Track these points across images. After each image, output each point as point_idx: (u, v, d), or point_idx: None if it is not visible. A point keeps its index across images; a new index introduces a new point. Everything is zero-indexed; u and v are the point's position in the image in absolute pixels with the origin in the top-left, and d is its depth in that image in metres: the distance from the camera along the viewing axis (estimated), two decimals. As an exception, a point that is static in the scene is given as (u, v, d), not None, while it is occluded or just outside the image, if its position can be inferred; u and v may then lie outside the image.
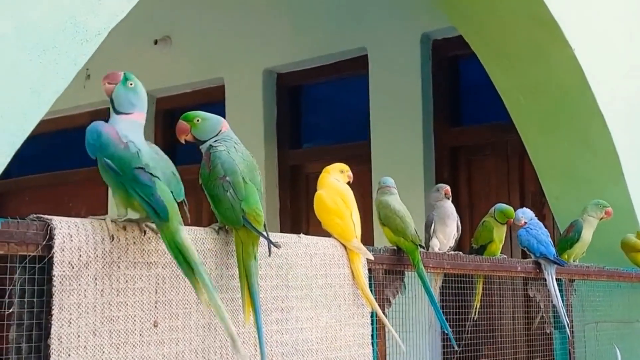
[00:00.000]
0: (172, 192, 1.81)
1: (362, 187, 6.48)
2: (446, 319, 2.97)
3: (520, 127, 4.52)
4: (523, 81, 4.24)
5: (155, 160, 1.82)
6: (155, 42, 7.37)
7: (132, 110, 1.83)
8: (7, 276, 1.61)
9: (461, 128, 6.17)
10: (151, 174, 1.76)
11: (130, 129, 1.80)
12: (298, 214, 6.59)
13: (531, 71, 4.18)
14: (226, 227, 2.06)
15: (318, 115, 6.90)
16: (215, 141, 2.07)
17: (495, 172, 5.98)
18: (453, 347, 2.81)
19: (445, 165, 6.10)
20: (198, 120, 2.09)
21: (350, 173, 2.52)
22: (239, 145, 2.10)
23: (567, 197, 4.62)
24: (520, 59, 4.15)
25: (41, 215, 1.68)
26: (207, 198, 2.07)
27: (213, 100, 7.11)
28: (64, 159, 8.19)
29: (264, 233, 2.01)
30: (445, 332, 2.62)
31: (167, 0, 7.24)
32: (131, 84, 1.85)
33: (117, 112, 1.83)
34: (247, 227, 1.99)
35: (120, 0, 1.97)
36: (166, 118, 7.62)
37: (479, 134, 6.05)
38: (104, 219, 1.77)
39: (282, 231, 6.63)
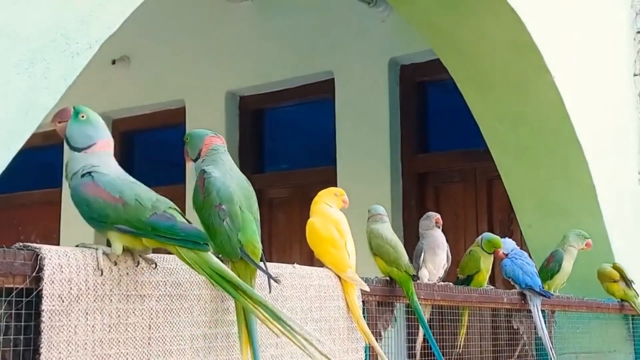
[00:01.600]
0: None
1: (327, 214, 6.40)
2: (429, 351, 2.89)
3: (495, 154, 4.49)
4: (501, 108, 4.22)
5: (145, 190, 1.69)
6: (113, 62, 7.20)
7: (91, 142, 1.67)
8: (-10, 311, 1.45)
9: (429, 154, 6.15)
10: (164, 210, 1.64)
11: (102, 164, 1.66)
12: (262, 238, 6.44)
13: (510, 98, 4.16)
14: (220, 257, 1.93)
15: (282, 139, 6.80)
16: (208, 164, 1.95)
17: (463, 199, 5.96)
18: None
19: (413, 191, 6.06)
20: (187, 139, 1.98)
21: (345, 197, 2.42)
22: (233, 169, 1.98)
23: (541, 226, 4.60)
24: (500, 86, 4.13)
25: (29, 244, 1.53)
26: (200, 226, 1.94)
27: (173, 122, 6.95)
28: (13, 180, 7.91)
29: (263, 267, 1.89)
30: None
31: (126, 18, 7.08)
32: (83, 116, 1.67)
33: (77, 150, 1.67)
34: (245, 260, 1.86)
35: (113, 13, 1.85)
36: (124, 140, 7.42)
37: (447, 161, 6.03)
38: (96, 249, 1.63)
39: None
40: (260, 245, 1.92)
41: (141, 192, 1.66)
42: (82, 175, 1.64)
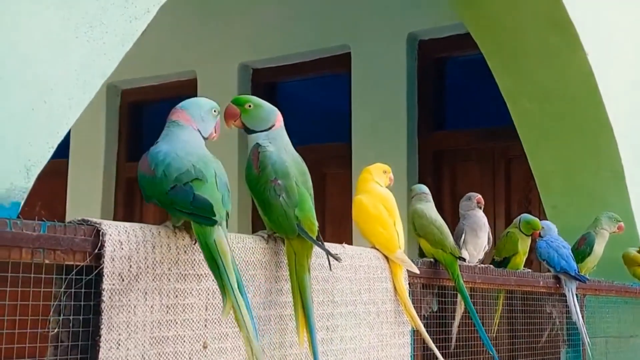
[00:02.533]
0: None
1: (341, 190, 6.33)
2: (465, 336, 2.82)
3: (522, 132, 4.40)
4: (531, 85, 4.12)
5: (204, 163, 1.60)
6: (122, 31, 7.05)
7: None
8: (48, 290, 1.37)
9: (445, 132, 6.05)
10: (185, 182, 1.56)
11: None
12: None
13: (541, 75, 4.06)
14: (275, 235, 1.84)
15: (295, 113, 6.67)
16: (265, 139, 1.85)
17: (480, 178, 5.87)
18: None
19: (429, 169, 5.97)
20: (250, 106, 1.88)
21: (392, 175, 2.33)
22: (289, 146, 1.89)
23: (565, 207, 4.53)
24: (531, 62, 4.03)
25: (88, 219, 1.44)
26: (255, 202, 1.85)
27: (184, 94, 6.69)
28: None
29: (322, 243, 1.80)
30: (490, 352, 2.45)
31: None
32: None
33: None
34: (303, 237, 1.78)
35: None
36: (132, 111, 7.32)
37: (464, 139, 5.93)
38: (167, 226, 1.56)
39: (252, 223, 6.40)
40: (316, 222, 1.83)
41: (174, 162, 1.58)
42: None
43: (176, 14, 6.83)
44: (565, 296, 3.25)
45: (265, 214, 1.83)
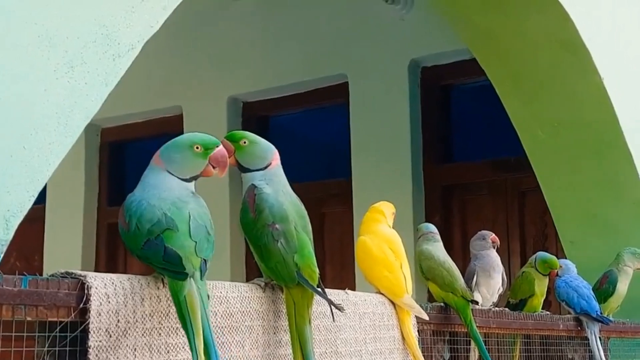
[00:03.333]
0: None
1: (342, 230, 6.35)
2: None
3: (535, 164, 4.44)
4: (543, 113, 4.17)
5: (176, 209, 1.63)
6: (102, 65, 7.13)
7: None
8: (31, 349, 1.38)
9: (454, 164, 6.09)
10: (157, 235, 1.58)
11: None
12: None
13: (553, 102, 4.11)
14: (273, 282, 1.87)
15: (291, 149, 6.71)
16: (261, 179, 1.88)
17: (492, 214, 5.90)
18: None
19: (437, 206, 6.00)
20: (245, 142, 1.91)
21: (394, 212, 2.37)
22: (287, 187, 1.92)
23: (585, 242, 4.55)
24: (543, 89, 4.08)
25: (72, 271, 1.46)
26: (250, 248, 1.88)
27: (169, 132, 6.83)
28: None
29: (324, 293, 1.82)
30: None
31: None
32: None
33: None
34: (303, 285, 1.80)
35: (154, 9, 1.78)
36: (113, 151, 7.37)
37: (474, 172, 5.98)
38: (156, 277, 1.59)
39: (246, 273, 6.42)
40: (317, 270, 1.85)
41: (146, 213, 1.61)
42: None
43: (159, 45, 6.91)
44: (588, 339, 3.26)
45: (262, 261, 1.85)
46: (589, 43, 3.84)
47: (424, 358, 2.38)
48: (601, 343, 3.43)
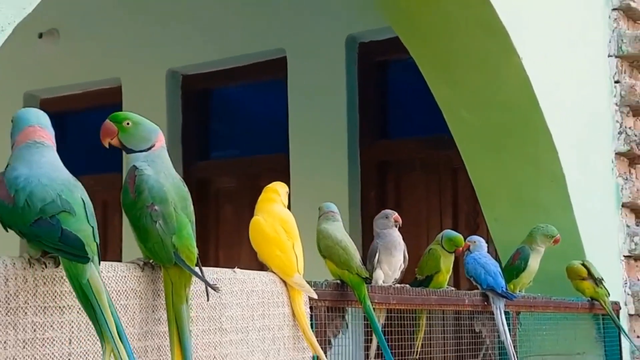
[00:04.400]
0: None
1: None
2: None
3: (460, 143, 4.53)
4: (467, 93, 4.25)
5: (69, 191, 1.67)
6: (40, 36, 7.06)
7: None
8: None
9: (389, 141, 6.17)
10: (51, 215, 1.61)
11: None
12: (206, 234, 6.41)
13: (476, 83, 4.19)
14: (152, 262, 1.91)
15: (230, 123, 6.76)
16: (143, 161, 1.92)
17: (426, 190, 6.00)
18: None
19: (373, 182, 6.08)
20: (128, 124, 1.93)
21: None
22: (170, 169, 1.96)
23: (508, 219, 4.66)
24: (465, 69, 4.15)
25: None
26: (131, 228, 1.92)
27: (108, 103, 6.85)
28: None
29: (200, 273, 1.88)
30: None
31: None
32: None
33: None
34: (180, 266, 1.85)
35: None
36: (53, 122, 7.31)
37: (409, 149, 6.06)
38: (22, 257, 1.62)
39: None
40: (196, 250, 1.90)
41: (37, 191, 1.62)
42: None
43: (98, 17, 6.87)
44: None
45: (141, 241, 1.89)
46: (507, 24, 3.91)
47: (319, 334, 2.46)
48: (510, 318, 3.54)
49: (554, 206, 4.50)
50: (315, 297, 2.33)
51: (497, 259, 4.94)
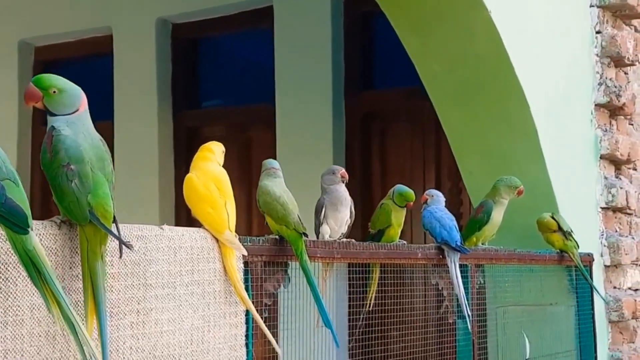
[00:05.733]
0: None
1: (265, 154, 6.41)
2: (338, 312, 2.98)
3: (433, 97, 4.52)
4: (437, 47, 4.23)
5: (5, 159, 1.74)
6: (33, -18, 7.06)
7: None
8: None
9: (374, 92, 6.17)
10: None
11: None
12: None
13: (446, 37, 4.17)
14: (70, 220, 1.96)
15: (219, 71, 6.77)
16: (63, 122, 1.95)
17: (410, 140, 6.01)
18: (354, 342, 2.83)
19: (357, 133, 6.10)
20: (54, 92, 1.96)
21: (222, 151, 2.46)
22: (90, 130, 1.99)
23: (482, 172, 4.67)
24: (434, 23, 4.13)
25: None
26: (50, 187, 1.96)
27: (99, 51, 6.89)
28: None
29: (114, 231, 1.93)
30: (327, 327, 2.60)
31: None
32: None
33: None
34: (95, 224, 1.90)
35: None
36: (46, 69, 7.34)
37: (393, 99, 6.06)
38: None
39: (177, 201, 6.53)
40: (112, 209, 1.95)
41: None
42: None
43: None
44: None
45: (58, 200, 1.94)
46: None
47: (256, 288, 2.52)
48: (467, 270, 3.59)
49: (525, 159, 4.51)
50: (245, 253, 2.38)
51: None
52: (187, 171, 2.50)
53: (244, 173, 6.21)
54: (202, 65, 6.82)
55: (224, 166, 2.51)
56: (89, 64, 7.12)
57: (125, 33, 6.73)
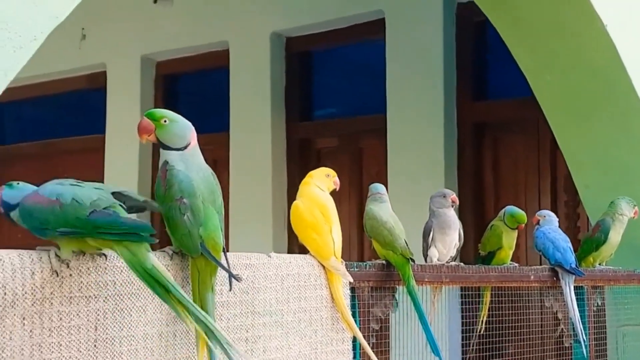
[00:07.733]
0: None
1: (377, 165, 6.43)
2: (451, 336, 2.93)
3: (546, 108, 4.41)
4: (549, 58, 4.11)
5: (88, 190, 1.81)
6: (155, 1, 7.29)
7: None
8: None
9: (487, 102, 6.05)
10: (104, 208, 1.77)
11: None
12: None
13: (558, 47, 4.05)
14: (182, 251, 2.01)
15: (330, 84, 6.80)
16: (175, 157, 1.99)
17: (524, 152, 5.86)
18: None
19: (469, 143, 5.99)
20: (165, 121, 2.00)
21: (336, 179, 2.45)
22: (201, 164, 2.03)
23: (599, 186, 4.51)
24: (547, 35, 4.02)
25: (-41, 250, 1.64)
26: (163, 219, 2.01)
27: (216, 65, 7.04)
28: (58, 125, 8.20)
29: (224, 263, 1.95)
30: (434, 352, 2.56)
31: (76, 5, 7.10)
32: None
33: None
34: (205, 256, 1.94)
35: (59, 1, 1.88)
36: (167, 83, 7.57)
37: (507, 110, 5.92)
38: (48, 251, 1.76)
39: (289, 211, 6.60)
40: (221, 241, 1.98)
41: (80, 193, 1.76)
42: None
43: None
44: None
45: (171, 232, 1.99)
46: (589, -10, 3.75)
47: (363, 314, 2.51)
48: (582, 293, 3.46)
49: (644, 171, 4.33)
50: (351, 280, 2.37)
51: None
52: (299, 181, 2.51)
53: (355, 184, 6.22)
54: (314, 77, 6.86)
55: (334, 190, 2.50)
56: (206, 77, 7.30)
57: (241, 47, 6.85)
